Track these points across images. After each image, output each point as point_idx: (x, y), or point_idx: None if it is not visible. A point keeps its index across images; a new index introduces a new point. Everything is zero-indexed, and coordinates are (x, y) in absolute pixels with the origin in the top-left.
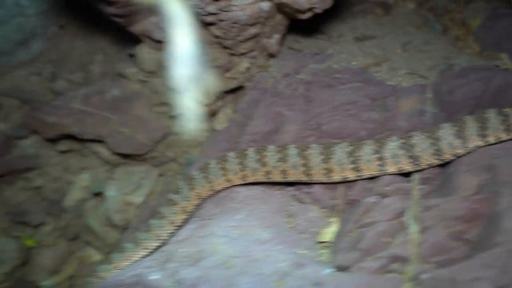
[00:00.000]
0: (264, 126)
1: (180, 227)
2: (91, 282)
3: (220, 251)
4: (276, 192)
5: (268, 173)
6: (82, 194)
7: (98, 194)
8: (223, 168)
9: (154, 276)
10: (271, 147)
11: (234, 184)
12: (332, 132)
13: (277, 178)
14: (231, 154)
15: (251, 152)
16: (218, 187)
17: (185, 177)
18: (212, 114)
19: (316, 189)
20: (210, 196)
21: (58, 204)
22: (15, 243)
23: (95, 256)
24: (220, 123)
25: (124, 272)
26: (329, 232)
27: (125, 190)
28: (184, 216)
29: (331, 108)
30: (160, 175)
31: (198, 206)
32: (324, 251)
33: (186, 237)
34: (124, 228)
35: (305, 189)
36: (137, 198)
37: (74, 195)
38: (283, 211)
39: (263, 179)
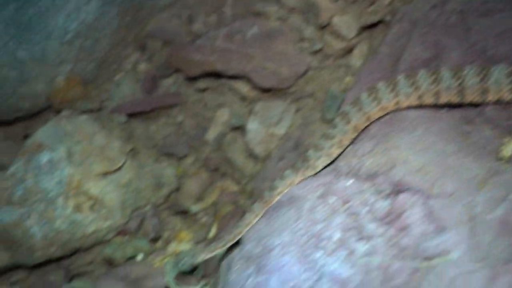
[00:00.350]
0: (422, 53)
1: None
2: (259, 207)
3: (412, 161)
4: (443, 114)
5: (420, 97)
6: (222, 129)
7: (237, 128)
8: (376, 98)
9: (349, 182)
10: (422, 71)
11: (388, 111)
12: (499, 57)
13: (430, 101)
14: (381, 84)
15: (401, 78)
16: (374, 116)
17: (340, 112)
18: (350, 49)
19: (488, 109)
20: (365, 128)
21: (199, 138)
22: (171, 169)
23: (233, 186)
24: (358, 58)
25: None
26: (510, 149)
27: (267, 122)
28: (339, 150)
29: (494, 35)
30: (297, 110)
31: (353, 139)
32: (507, 166)
33: (369, 151)
34: (264, 159)
35: (474, 110)
36: (280, 130)
37: (214, 130)
38: (456, 129)
39: (416, 103)
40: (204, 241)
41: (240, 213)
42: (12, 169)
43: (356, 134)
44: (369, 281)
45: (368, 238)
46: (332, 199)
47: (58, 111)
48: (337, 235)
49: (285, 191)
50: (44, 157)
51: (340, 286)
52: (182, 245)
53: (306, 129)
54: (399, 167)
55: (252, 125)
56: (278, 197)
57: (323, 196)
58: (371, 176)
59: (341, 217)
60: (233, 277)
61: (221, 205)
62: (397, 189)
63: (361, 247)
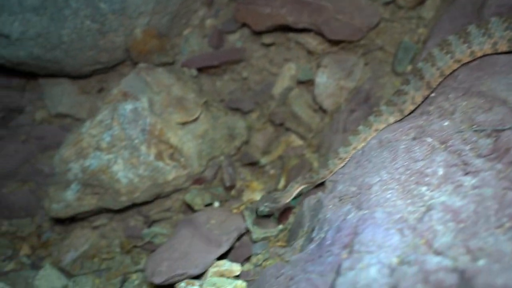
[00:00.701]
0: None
1: (404, 117)
2: (334, 163)
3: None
4: None
5: (494, 44)
6: (288, 83)
7: (303, 83)
8: (448, 51)
9: (445, 123)
10: (494, 18)
11: (463, 63)
12: None
13: (504, 48)
14: (452, 36)
15: (472, 28)
16: (448, 71)
17: (412, 69)
18: (422, 0)
19: None
20: (450, 74)
21: (264, 93)
22: (242, 121)
23: (298, 141)
24: (430, 9)
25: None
26: None
27: (337, 75)
28: (412, 107)
29: None
30: (366, 63)
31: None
32: None
33: (462, 94)
34: (332, 113)
35: None
36: (350, 83)
37: (280, 84)
38: None
39: (490, 52)
40: (275, 191)
41: (307, 166)
42: (99, 116)
43: (429, 91)
44: (484, 210)
45: (475, 172)
46: (429, 140)
47: (135, 64)
48: (440, 171)
49: (359, 146)
50: (129, 106)
51: (454, 215)
52: (255, 194)
53: (376, 82)
54: (499, 108)
55: (321, 79)
56: (353, 152)
57: (418, 137)
58: (468, 117)
59: (442, 155)
60: (330, 215)
61: (287, 158)
62: (499, 128)
63: (469, 181)
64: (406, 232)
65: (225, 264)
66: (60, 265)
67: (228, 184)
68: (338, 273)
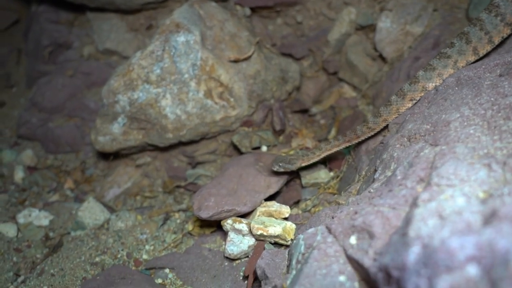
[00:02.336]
0: None
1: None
2: (363, 132)
3: None
4: None
5: None
6: (346, 28)
7: (363, 28)
8: (498, 14)
9: None
10: None
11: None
12: None
13: None
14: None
15: None
16: (497, 39)
17: (459, 33)
18: None
19: None
20: None
21: (319, 40)
22: (296, 65)
23: (351, 92)
24: None
25: None
26: None
27: (403, 20)
28: (452, 71)
29: None
30: (435, 10)
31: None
32: None
33: None
34: (393, 61)
35: None
36: (417, 28)
37: (338, 30)
38: None
39: None
40: (325, 141)
41: (360, 118)
42: (150, 47)
43: (475, 57)
44: None
45: None
46: None
47: (185, 0)
48: None
49: (392, 118)
50: (181, 38)
51: None
52: (305, 141)
53: (447, 28)
54: None
55: (384, 24)
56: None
57: (506, 73)
58: None
59: None
60: (397, 153)
61: (339, 109)
62: None
63: None
64: (495, 167)
65: (274, 205)
66: (102, 200)
67: (278, 128)
68: (414, 205)
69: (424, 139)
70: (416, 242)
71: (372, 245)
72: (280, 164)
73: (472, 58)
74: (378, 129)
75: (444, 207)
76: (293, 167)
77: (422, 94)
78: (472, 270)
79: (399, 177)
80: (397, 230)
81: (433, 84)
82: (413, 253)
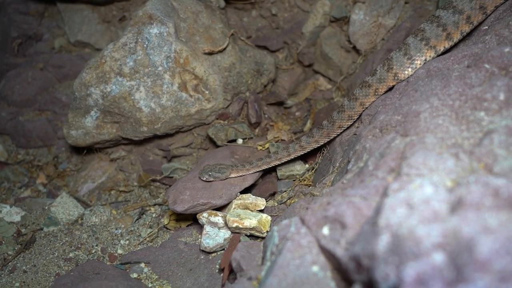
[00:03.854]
0: None
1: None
2: (295, 150)
3: None
4: None
5: None
6: (320, 21)
7: (337, 20)
8: None
9: (506, 48)
10: None
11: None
12: None
13: None
14: None
15: None
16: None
17: (385, 59)
18: None
19: None
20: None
21: (294, 32)
22: (271, 57)
23: (326, 84)
24: None
25: None
26: None
27: (375, 12)
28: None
29: None
30: (406, 2)
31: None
32: None
33: None
34: (367, 53)
35: None
36: (389, 21)
37: (312, 22)
38: None
39: None
40: (299, 133)
41: (335, 109)
42: (123, 39)
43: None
44: None
45: None
46: (487, 66)
47: None
48: (502, 96)
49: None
50: (154, 30)
51: None
52: (281, 133)
53: (418, 21)
54: None
55: (357, 16)
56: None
57: (474, 64)
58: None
59: (504, 80)
60: (370, 144)
61: (314, 101)
62: None
63: None
64: (462, 156)
65: (250, 198)
66: (76, 195)
67: (253, 121)
68: (385, 194)
69: (395, 130)
70: (385, 231)
71: (344, 235)
72: (210, 174)
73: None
74: (309, 149)
75: (413, 196)
76: (223, 176)
77: (357, 115)
78: (438, 257)
79: (370, 168)
80: (368, 220)
81: (370, 101)
82: (382, 241)
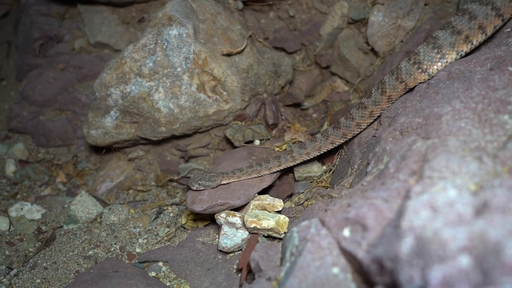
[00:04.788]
0: None
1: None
2: (287, 160)
3: None
4: None
5: None
6: (338, 23)
7: (355, 22)
8: None
9: None
10: None
11: None
12: None
13: None
14: None
15: None
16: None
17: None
18: None
19: None
20: None
21: (311, 34)
22: (288, 59)
23: (343, 86)
24: None
25: None
26: None
27: (394, 14)
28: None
29: None
30: (426, 4)
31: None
32: None
33: None
34: (385, 55)
35: None
36: (408, 23)
37: (330, 24)
38: None
39: None
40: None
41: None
42: (143, 40)
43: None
44: None
45: None
46: (511, 68)
47: None
48: None
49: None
50: (174, 31)
51: None
52: (298, 135)
53: (437, 23)
54: None
55: (376, 18)
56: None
57: (497, 67)
58: None
59: None
60: (390, 147)
61: (331, 103)
62: None
63: None
64: (485, 160)
65: (268, 199)
66: (95, 194)
67: (271, 122)
68: (407, 197)
69: (416, 132)
70: (408, 234)
71: (365, 237)
72: (200, 183)
73: (386, 105)
74: (300, 160)
75: (436, 199)
76: (213, 185)
77: (342, 140)
78: (464, 260)
79: (391, 170)
80: (390, 222)
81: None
82: (406, 244)
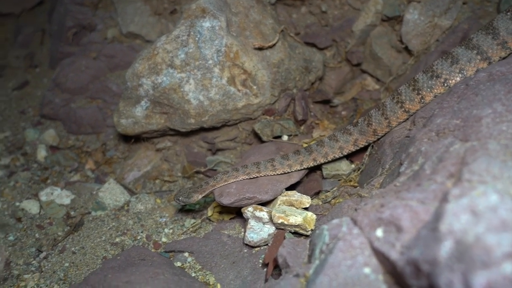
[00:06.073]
0: None
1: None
2: (266, 168)
3: None
4: None
5: None
6: (372, 19)
7: (389, 19)
8: None
9: None
10: None
11: None
12: None
13: None
14: None
15: None
16: None
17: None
18: None
19: None
20: None
21: (343, 30)
22: (319, 55)
23: (374, 85)
24: None
25: None
26: None
27: (431, 13)
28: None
29: None
30: (464, 3)
31: None
32: None
33: None
34: (419, 54)
35: None
36: (445, 22)
37: (363, 20)
38: None
39: None
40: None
41: None
42: (176, 31)
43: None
44: None
45: None
46: None
47: None
48: None
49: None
50: (206, 23)
51: None
52: (326, 132)
53: (476, 22)
54: None
55: (411, 15)
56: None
57: None
58: None
59: None
60: (425, 148)
61: (361, 101)
62: None
63: None
64: None
65: (295, 195)
66: (122, 182)
67: (300, 118)
68: (445, 200)
69: (454, 134)
70: (448, 237)
71: (400, 239)
72: (180, 199)
73: (372, 139)
74: (281, 171)
75: (477, 203)
76: (191, 201)
77: (322, 160)
78: (509, 267)
79: (427, 172)
80: (426, 224)
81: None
82: (445, 247)
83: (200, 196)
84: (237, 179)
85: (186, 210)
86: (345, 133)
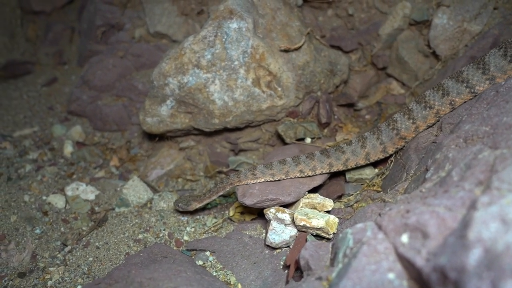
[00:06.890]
0: None
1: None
2: (247, 177)
3: None
4: None
5: None
6: (399, 23)
7: (417, 24)
8: None
9: None
10: None
11: None
12: None
13: None
14: None
15: None
16: None
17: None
18: None
19: None
20: None
21: (370, 34)
22: (345, 58)
23: (399, 89)
24: None
25: None
26: None
27: (460, 17)
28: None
29: None
30: (495, 8)
31: None
32: None
33: None
34: (447, 59)
35: None
36: (475, 27)
37: (391, 24)
38: None
39: None
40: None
41: None
42: (203, 32)
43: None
44: None
45: None
46: None
47: None
48: None
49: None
50: (234, 25)
51: None
52: (351, 136)
53: (507, 28)
54: None
55: (440, 20)
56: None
57: None
58: None
59: None
60: (453, 154)
61: (386, 105)
62: None
63: None
64: None
65: (318, 198)
66: (146, 180)
67: (323, 121)
68: (473, 207)
69: (483, 141)
70: (477, 245)
71: (426, 245)
72: (179, 205)
73: (363, 162)
74: (263, 179)
75: (507, 212)
76: (189, 209)
77: (310, 173)
78: None
79: (455, 179)
80: (453, 231)
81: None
82: (474, 255)
83: (198, 205)
84: (226, 189)
85: (208, 208)
86: (337, 151)
